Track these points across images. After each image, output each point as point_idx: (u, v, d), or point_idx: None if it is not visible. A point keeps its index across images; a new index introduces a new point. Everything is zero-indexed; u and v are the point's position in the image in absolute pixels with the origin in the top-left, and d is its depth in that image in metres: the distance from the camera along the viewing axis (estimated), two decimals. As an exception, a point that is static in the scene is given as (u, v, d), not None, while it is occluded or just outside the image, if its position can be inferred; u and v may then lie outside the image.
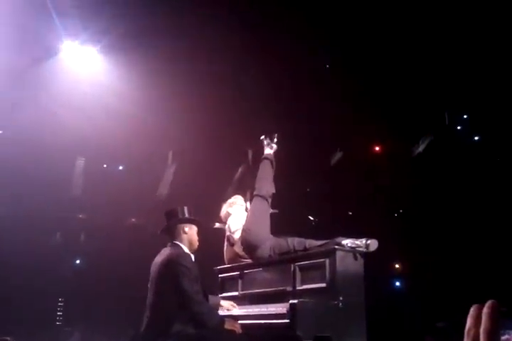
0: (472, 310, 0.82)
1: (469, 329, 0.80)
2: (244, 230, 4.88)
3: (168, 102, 8.81)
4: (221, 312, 4.52)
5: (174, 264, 4.12)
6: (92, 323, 9.55)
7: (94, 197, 10.04)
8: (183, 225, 4.41)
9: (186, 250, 4.32)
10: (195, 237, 4.44)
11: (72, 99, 8.54)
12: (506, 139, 8.76)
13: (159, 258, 4.29)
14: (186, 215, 4.45)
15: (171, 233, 4.42)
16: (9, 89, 8.19)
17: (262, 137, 5.39)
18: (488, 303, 0.80)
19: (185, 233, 4.39)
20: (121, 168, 10.89)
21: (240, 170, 10.11)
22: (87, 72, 8.75)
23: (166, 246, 4.42)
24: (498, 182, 8.78)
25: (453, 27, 7.66)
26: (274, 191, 5.01)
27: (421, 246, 9.39)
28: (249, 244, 4.83)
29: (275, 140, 5.36)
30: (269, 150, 5.30)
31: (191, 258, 4.26)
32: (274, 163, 5.18)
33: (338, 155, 10.12)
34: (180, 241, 4.35)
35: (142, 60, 8.24)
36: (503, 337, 0.79)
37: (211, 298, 4.54)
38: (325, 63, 9.17)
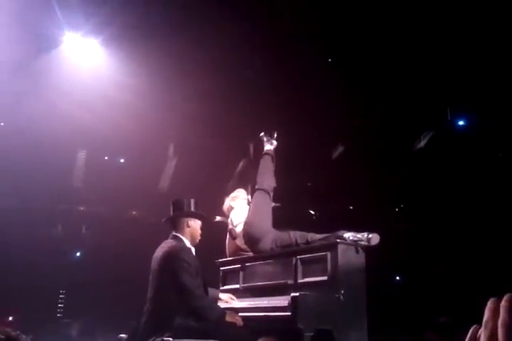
0: (490, 303, 0.82)
1: (487, 322, 0.80)
2: (246, 223, 4.88)
3: (170, 95, 8.79)
4: (221, 305, 4.53)
5: (174, 259, 4.13)
6: (92, 315, 9.57)
7: (95, 190, 10.04)
8: (187, 218, 4.42)
9: (187, 243, 4.33)
10: (197, 231, 4.45)
11: (74, 90, 8.52)
12: (508, 134, 8.75)
13: (160, 252, 4.29)
14: (192, 208, 4.46)
15: (174, 224, 4.43)
16: (10, 81, 8.17)
17: (262, 134, 5.40)
18: (506, 297, 0.80)
19: (188, 226, 4.40)
20: (122, 160, 10.89)
21: (241, 163, 10.11)
22: (89, 63, 8.72)
23: (167, 239, 4.43)
24: (500, 177, 8.77)
25: (456, 20, 7.63)
26: (275, 185, 5.00)
27: (422, 240, 9.40)
28: (251, 237, 4.84)
29: (275, 136, 5.40)
30: (269, 146, 5.32)
31: (192, 253, 4.27)
32: (274, 159, 5.18)
33: (340, 149, 10.10)
34: (182, 234, 4.36)
35: (144, 51, 8.21)
36: None
37: (210, 291, 4.55)
38: (327, 57, 9.13)
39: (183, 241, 4.33)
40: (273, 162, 5.15)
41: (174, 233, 4.40)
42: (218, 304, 4.53)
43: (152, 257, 4.36)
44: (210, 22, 7.85)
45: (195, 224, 4.44)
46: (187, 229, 4.39)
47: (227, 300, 4.67)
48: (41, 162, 9.08)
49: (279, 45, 8.42)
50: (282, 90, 9.02)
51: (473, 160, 9.09)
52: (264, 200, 4.89)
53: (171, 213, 4.51)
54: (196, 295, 4.03)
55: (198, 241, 4.44)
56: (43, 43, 8.18)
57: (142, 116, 9.00)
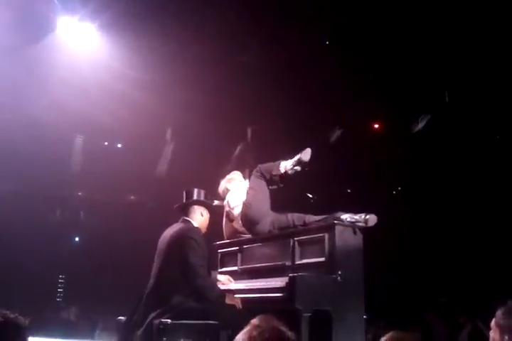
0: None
1: None
2: (245, 205, 4.89)
3: (167, 80, 8.75)
4: (227, 286, 4.56)
5: (185, 237, 4.18)
6: (91, 299, 9.63)
7: (93, 175, 10.04)
8: (202, 208, 4.46)
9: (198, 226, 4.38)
10: (206, 223, 4.53)
11: (70, 76, 8.46)
12: (506, 116, 8.74)
13: (170, 231, 4.33)
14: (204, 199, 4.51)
15: (186, 212, 4.46)
16: (6, 67, 8.11)
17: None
18: None
19: (201, 215, 4.46)
20: (119, 145, 10.88)
21: (239, 147, 10.10)
22: (85, 49, 8.65)
23: (167, 222, 4.47)
24: (498, 160, 8.78)
25: (454, 3, 7.58)
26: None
27: (420, 222, 9.44)
28: (249, 219, 4.85)
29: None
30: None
31: (201, 234, 4.30)
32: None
33: (337, 132, 10.09)
34: (194, 220, 4.40)
35: (141, 37, 8.15)
36: None
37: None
38: (325, 40, 9.08)
39: (193, 224, 4.38)
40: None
41: (185, 218, 4.43)
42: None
43: (155, 239, 4.39)
44: (207, 8, 7.79)
45: (207, 216, 4.52)
46: (199, 218, 4.45)
47: (224, 282, 4.70)
48: (39, 147, 9.07)
49: (275, 29, 8.37)
50: (280, 74, 8.99)
51: (471, 143, 9.08)
52: (262, 183, 4.89)
53: (184, 200, 4.54)
54: (199, 274, 4.06)
55: (204, 231, 4.47)
56: (37, 27, 8.11)
57: (139, 102, 8.97)
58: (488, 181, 8.96)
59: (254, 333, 1.44)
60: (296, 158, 4.73)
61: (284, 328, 1.51)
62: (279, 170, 4.77)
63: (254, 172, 4.94)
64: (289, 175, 4.74)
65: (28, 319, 3.61)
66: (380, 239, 6.46)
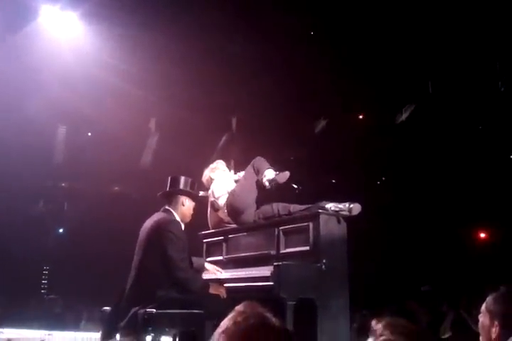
0: None
1: None
2: (231, 194, 4.90)
3: (151, 70, 8.69)
4: (206, 276, 4.56)
5: (163, 230, 4.14)
6: (76, 291, 9.60)
7: (76, 166, 9.97)
8: (184, 197, 4.42)
9: (177, 218, 4.34)
10: (190, 212, 4.47)
11: (52, 64, 8.37)
12: (487, 107, 8.82)
13: (149, 222, 4.30)
14: (189, 188, 4.46)
15: (169, 200, 4.43)
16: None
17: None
18: None
19: (183, 205, 4.41)
20: (101, 136, 10.77)
21: (223, 138, 10.09)
22: (67, 37, 8.55)
23: (153, 213, 4.43)
24: (480, 149, 8.87)
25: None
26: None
27: (404, 211, 9.52)
28: (235, 208, 4.85)
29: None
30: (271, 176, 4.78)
31: (181, 227, 4.28)
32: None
33: (322, 123, 10.11)
34: (175, 210, 4.37)
35: (122, 26, 8.08)
36: None
37: (196, 260, 4.57)
38: (309, 30, 9.07)
39: (174, 216, 4.34)
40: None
41: (167, 207, 4.40)
42: (204, 274, 4.56)
43: (139, 230, 4.36)
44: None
45: (190, 205, 4.46)
46: (181, 207, 4.40)
47: (213, 272, 4.69)
48: (21, 138, 8.98)
49: (263, 18, 8.34)
50: (265, 64, 8.97)
51: (453, 133, 9.15)
52: (253, 177, 4.88)
53: (168, 188, 4.51)
54: (180, 267, 4.05)
55: (187, 221, 4.44)
56: (19, 15, 8.00)
57: (123, 91, 8.90)
58: (471, 170, 9.05)
59: (239, 319, 1.44)
60: (273, 176, 4.71)
61: (268, 314, 1.52)
62: (262, 176, 4.78)
63: (250, 164, 4.93)
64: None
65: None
66: (364, 228, 6.52)
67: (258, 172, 4.86)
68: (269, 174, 4.76)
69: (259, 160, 4.95)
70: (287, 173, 4.75)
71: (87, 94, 8.73)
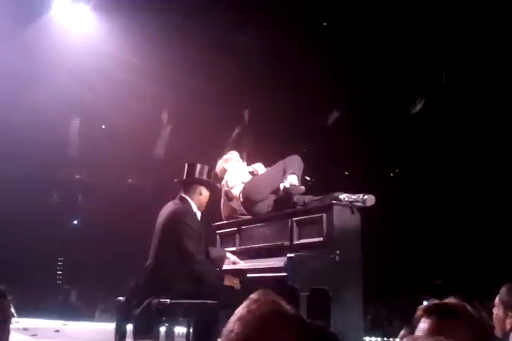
0: None
1: None
2: (249, 183, 4.87)
3: (164, 62, 8.69)
4: (226, 266, 4.55)
5: (179, 223, 4.12)
6: (91, 281, 9.68)
7: (90, 158, 10.02)
8: (202, 186, 4.39)
9: (194, 208, 4.31)
10: (206, 200, 4.41)
11: (65, 57, 8.40)
12: (503, 99, 8.72)
13: (166, 211, 4.26)
14: (206, 177, 4.42)
15: (186, 188, 4.38)
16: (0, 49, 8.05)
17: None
18: None
19: (200, 195, 4.36)
20: (114, 128, 10.82)
21: (236, 130, 10.07)
22: (80, 30, 8.58)
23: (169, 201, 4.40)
24: (495, 141, 8.78)
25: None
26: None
27: (418, 203, 9.46)
28: (249, 198, 4.82)
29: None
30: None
31: (197, 218, 4.25)
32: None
33: (335, 115, 10.06)
34: (192, 199, 4.32)
35: (135, 19, 8.07)
36: None
37: (215, 251, 4.56)
38: (322, 21, 9.02)
39: (190, 206, 4.29)
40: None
41: (183, 195, 4.37)
42: (224, 263, 4.54)
43: (153, 221, 4.35)
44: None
45: (207, 194, 4.41)
46: (198, 197, 4.35)
47: (234, 261, 4.66)
48: (37, 131, 9.03)
49: (272, 12, 8.30)
50: (277, 57, 8.94)
51: (468, 125, 9.07)
52: (278, 175, 4.82)
53: (185, 175, 4.45)
54: (197, 260, 4.05)
55: (203, 209, 4.41)
56: (32, 8, 8.02)
57: (135, 84, 8.91)
58: (486, 163, 8.97)
59: (254, 306, 1.44)
60: (288, 186, 4.59)
61: (283, 302, 1.51)
62: (284, 179, 4.68)
63: (283, 160, 4.86)
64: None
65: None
66: (378, 220, 6.48)
67: (285, 171, 4.81)
68: (289, 180, 4.65)
69: (291, 160, 4.83)
70: (302, 188, 4.62)
71: (99, 87, 8.76)
